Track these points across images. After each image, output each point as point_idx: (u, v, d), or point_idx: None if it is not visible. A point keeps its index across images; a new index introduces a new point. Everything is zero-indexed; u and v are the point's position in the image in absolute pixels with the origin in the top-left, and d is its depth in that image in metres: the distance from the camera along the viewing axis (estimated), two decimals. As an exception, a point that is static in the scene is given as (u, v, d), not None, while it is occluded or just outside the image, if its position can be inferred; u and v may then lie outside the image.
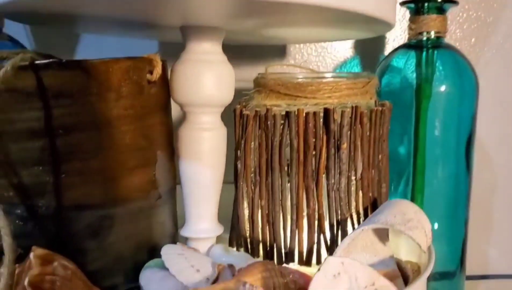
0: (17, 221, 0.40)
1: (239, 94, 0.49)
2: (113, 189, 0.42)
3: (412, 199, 0.60)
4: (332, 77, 0.46)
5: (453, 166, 0.59)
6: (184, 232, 0.49)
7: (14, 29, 0.57)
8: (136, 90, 0.42)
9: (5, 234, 0.33)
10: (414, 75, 0.59)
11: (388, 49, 0.72)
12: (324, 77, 0.46)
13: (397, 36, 0.73)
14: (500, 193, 0.75)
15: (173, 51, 0.49)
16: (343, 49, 0.72)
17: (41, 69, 0.39)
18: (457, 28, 0.71)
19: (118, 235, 0.42)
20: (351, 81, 0.46)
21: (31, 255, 0.36)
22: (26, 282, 0.33)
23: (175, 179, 0.49)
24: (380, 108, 0.46)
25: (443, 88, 0.57)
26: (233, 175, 0.49)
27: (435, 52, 0.58)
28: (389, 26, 0.45)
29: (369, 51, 0.72)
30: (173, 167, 0.49)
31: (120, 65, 0.41)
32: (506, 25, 0.71)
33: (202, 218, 0.49)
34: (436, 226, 0.60)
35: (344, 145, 0.44)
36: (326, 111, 0.44)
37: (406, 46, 0.60)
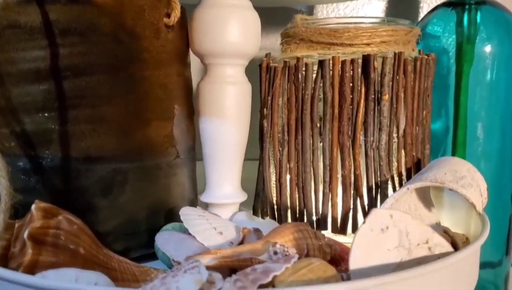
0: (19, 175, 0.36)
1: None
2: (127, 141, 0.37)
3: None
4: (371, 22, 0.41)
5: (498, 140, 0.54)
6: (204, 197, 0.44)
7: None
8: (151, 33, 0.38)
9: (1, 176, 0.28)
10: (454, 37, 0.54)
11: (423, 15, 0.67)
12: (362, 22, 0.41)
13: (432, 2, 0.68)
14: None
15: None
16: (374, 15, 0.67)
17: (47, 2, 0.34)
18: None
19: (132, 194, 0.38)
20: (392, 28, 0.41)
21: (33, 207, 0.31)
22: (25, 235, 0.28)
23: (194, 139, 0.45)
24: (425, 57, 0.41)
25: (487, 48, 0.52)
26: (259, 137, 0.45)
27: (479, 9, 0.53)
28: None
29: (403, 17, 0.67)
30: (192, 126, 0.44)
31: (135, 2, 0.37)
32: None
33: (225, 183, 0.44)
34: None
35: (386, 96, 0.39)
36: (366, 58, 0.39)
37: (444, 5, 0.55)
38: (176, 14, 0.40)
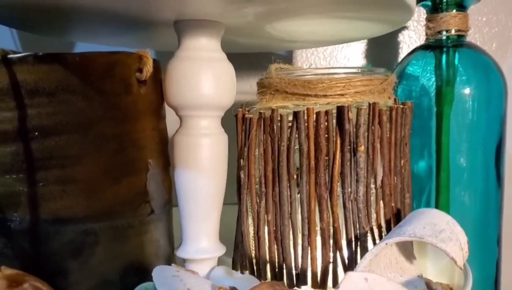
0: None
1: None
2: (98, 201, 0.37)
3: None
4: (345, 73, 0.41)
5: (482, 179, 0.53)
6: (180, 253, 0.43)
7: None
8: (122, 89, 0.38)
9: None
10: (433, 79, 0.54)
11: (402, 57, 0.67)
12: (336, 73, 0.41)
13: (411, 44, 0.68)
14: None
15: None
16: (353, 57, 0.67)
17: (15, 64, 0.34)
18: (476, 32, 0.66)
19: (103, 255, 0.37)
20: (366, 78, 0.41)
21: (-3, 275, 0.30)
22: (-14, 307, 0.27)
23: (170, 193, 0.44)
24: (401, 106, 0.40)
25: (467, 90, 0.52)
26: (236, 188, 0.44)
27: (456, 52, 0.53)
28: (408, 11, 0.40)
29: (382, 59, 0.68)
30: (168, 179, 0.43)
31: (104, 59, 0.36)
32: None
33: (201, 237, 0.43)
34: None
35: (362, 148, 0.38)
36: (340, 109, 0.38)
37: (423, 48, 0.55)
38: (148, 69, 0.39)
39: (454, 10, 0.52)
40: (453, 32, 0.53)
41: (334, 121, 0.39)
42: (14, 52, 0.38)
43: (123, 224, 0.38)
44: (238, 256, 0.45)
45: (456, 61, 0.53)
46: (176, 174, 0.43)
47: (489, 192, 0.53)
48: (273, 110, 0.40)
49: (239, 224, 0.44)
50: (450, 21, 0.52)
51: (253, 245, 0.43)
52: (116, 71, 0.37)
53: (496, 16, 0.66)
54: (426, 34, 0.54)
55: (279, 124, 0.40)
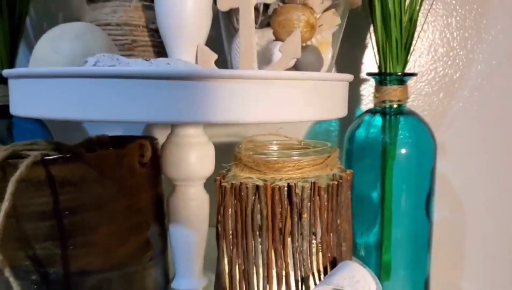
0: (32, 286, 0.49)
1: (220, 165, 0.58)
2: (111, 257, 0.50)
3: (381, 245, 0.68)
4: (296, 155, 0.54)
5: (414, 217, 0.67)
6: (175, 285, 0.57)
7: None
8: (128, 173, 0.51)
9: None
10: (380, 138, 0.67)
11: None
12: (289, 156, 0.54)
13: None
14: (469, 232, 0.82)
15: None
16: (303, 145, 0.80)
17: (50, 163, 0.47)
18: (426, 84, 0.79)
19: (116, 295, 0.51)
20: (311, 158, 0.54)
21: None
22: None
23: (165, 240, 0.58)
24: (336, 182, 0.54)
25: (403, 150, 0.65)
26: (215, 236, 0.58)
27: (398, 117, 0.66)
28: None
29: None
30: (164, 230, 0.57)
31: (114, 154, 0.50)
32: (471, 80, 0.78)
33: (190, 273, 0.57)
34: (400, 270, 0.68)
35: (305, 215, 0.52)
36: (289, 187, 0.52)
37: (371, 112, 0.68)
38: (148, 155, 0.53)
39: (396, 85, 0.65)
40: (394, 102, 0.65)
41: (285, 194, 0.52)
42: (48, 143, 0.52)
43: (130, 271, 0.52)
44: (217, 286, 0.59)
45: (398, 125, 0.66)
46: (170, 227, 0.57)
47: (420, 226, 0.67)
48: (241, 183, 0.54)
49: (218, 263, 0.58)
50: (392, 93, 0.65)
51: (228, 281, 0.57)
52: (124, 161, 0.51)
53: (443, 70, 0.78)
54: (374, 101, 0.67)
55: (245, 193, 0.54)
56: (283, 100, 0.44)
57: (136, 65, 0.41)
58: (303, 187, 0.52)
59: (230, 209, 0.55)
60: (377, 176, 0.68)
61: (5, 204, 0.44)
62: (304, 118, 0.46)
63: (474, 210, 0.81)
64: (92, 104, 0.39)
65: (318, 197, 0.52)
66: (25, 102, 0.45)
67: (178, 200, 0.56)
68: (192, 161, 0.55)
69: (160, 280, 0.56)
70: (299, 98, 0.44)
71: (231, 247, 0.56)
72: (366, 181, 0.68)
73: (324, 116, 0.48)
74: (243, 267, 0.55)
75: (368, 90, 0.79)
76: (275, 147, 0.62)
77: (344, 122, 0.79)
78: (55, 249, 0.48)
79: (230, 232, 0.56)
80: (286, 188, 0.52)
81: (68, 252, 0.49)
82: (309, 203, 0.52)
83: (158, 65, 0.42)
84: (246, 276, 0.55)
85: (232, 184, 0.55)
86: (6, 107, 0.65)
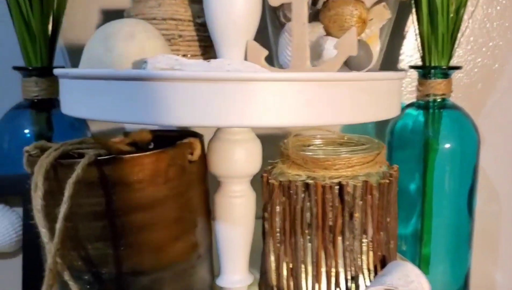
0: (85, 285, 0.49)
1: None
2: (163, 256, 0.50)
3: (421, 238, 0.68)
4: (345, 152, 0.53)
5: (455, 210, 0.66)
6: (220, 282, 0.57)
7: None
8: (179, 172, 0.51)
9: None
10: (423, 131, 0.66)
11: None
12: (338, 154, 0.53)
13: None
14: (505, 224, 0.81)
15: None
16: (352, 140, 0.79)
17: (103, 164, 0.47)
18: (464, 75, 0.77)
19: (168, 293, 0.51)
20: (362, 156, 0.53)
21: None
22: None
23: (211, 236, 0.57)
24: (387, 181, 0.53)
25: (447, 145, 0.64)
26: (261, 232, 0.57)
27: (441, 111, 0.65)
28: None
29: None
30: (209, 226, 0.57)
31: (167, 154, 0.49)
32: (511, 71, 0.77)
33: (236, 270, 0.57)
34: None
35: (357, 214, 0.51)
36: (341, 186, 0.51)
37: (415, 105, 0.67)
38: (197, 153, 0.52)
39: (440, 78, 0.64)
40: (438, 96, 0.64)
41: (336, 192, 0.52)
42: (95, 141, 0.51)
43: (180, 270, 0.52)
44: (262, 283, 0.59)
45: (441, 119, 0.65)
46: (216, 224, 0.56)
47: (461, 224, 0.66)
48: (290, 181, 0.53)
49: (263, 260, 0.58)
50: (436, 87, 0.64)
51: (274, 278, 0.56)
52: (176, 159, 0.50)
53: (482, 61, 0.77)
54: (417, 95, 0.66)
55: (294, 191, 0.53)
56: (340, 101, 0.43)
57: (196, 66, 0.40)
58: (355, 186, 0.51)
59: (277, 207, 0.55)
60: (416, 168, 0.67)
61: (64, 207, 0.43)
62: (362, 120, 0.45)
63: (510, 201, 0.80)
64: (158, 108, 0.38)
65: (370, 196, 0.52)
66: (82, 103, 0.44)
67: (224, 197, 0.56)
68: (239, 158, 0.54)
69: (207, 278, 0.56)
70: (358, 99, 0.44)
71: (278, 244, 0.55)
72: (405, 174, 0.67)
73: (379, 116, 0.47)
74: (291, 265, 0.55)
75: (405, 82, 0.78)
76: (319, 142, 0.61)
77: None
78: (107, 249, 0.48)
79: (278, 229, 0.55)
80: (337, 187, 0.51)
81: (120, 252, 0.48)
82: (360, 202, 0.51)
83: (218, 66, 0.41)
84: (294, 274, 0.55)
85: (280, 181, 0.54)
86: (46, 101, 0.65)
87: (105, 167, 0.47)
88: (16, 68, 0.64)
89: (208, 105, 0.40)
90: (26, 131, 0.64)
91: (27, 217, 0.58)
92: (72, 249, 0.48)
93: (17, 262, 0.60)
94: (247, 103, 0.40)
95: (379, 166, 0.55)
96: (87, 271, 0.49)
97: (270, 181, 0.55)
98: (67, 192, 0.44)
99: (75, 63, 0.73)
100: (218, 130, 0.55)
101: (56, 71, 0.46)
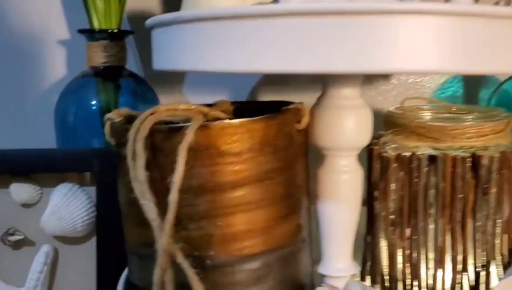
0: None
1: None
2: (271, 238, 0.43)
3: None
4: (474, 119, 0.46)
5: None
6: (321, 269, 0.50)
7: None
8: (288, 142, 0.44)
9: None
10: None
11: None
12: (467, 120, 0.46)
13: None
14: None
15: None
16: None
17: (209, 128, 0.40)
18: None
19: (274, 281, 0.44)
20: (493, 124, 0.46)
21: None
22: None
23: (311, 220, 0.50)
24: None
25: None
26: (367, 215, 0.50)
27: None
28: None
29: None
30: (309, 209, 0.50)
31: (276, 121, 0.42)
32: None
33: (339, 257, 0.50)
34: None
35: (493, 190, 0.44)
36: (475, 157, 0.44)
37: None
38: (305, 121, 0.45)
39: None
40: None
41: (468, 165, 0.45)
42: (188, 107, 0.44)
43: (287, 254, 0.45)
44: (366, 271, 0.52)
45: None
46: (319, 205, 0.49)
47: None
48: (413, 153, 0.46)
49: (369, 243, 0.51)
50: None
51: (387, 266, 0.49)
52: (284, 128, 0.43)
53: None
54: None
55: (417, 165, 0.46)
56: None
57: None
58: (492, 158, 0.44)
59: (393, 184, 0.48)
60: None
61: (177, 175, 0.36)
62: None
63: None
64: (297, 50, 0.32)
65: (507, 170, 0.45)
66: (191, 53, 0.37)
67: (328, 173, 0.48)
68: (348, 127, 0.47)
69: (308, 265, 0.49)
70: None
71: (392, 227, 0.48)
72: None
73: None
74: (408, 251, 0.48)
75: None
76: (427, 114, 0.54)
77: (469, 86, 0.71)
78: (212, 229, 0.41)
79: (392, 210, 0.48)
80: (470, 159, 0.44)
81: (227, 233, 0.41)
82: (497, 176, 0.44)
83: None
84: (412, 261, 0.48)
85: (398, 154, 0.47)
86: (114, 68, 0.58)
87: (211, 134, 0.40)
88: (81, 31, 0.57)
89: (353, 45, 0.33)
90: (93, 102, 0.57)
91: (102, 195, 0.52)
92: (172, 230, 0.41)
93: (88, 247, 0.53)
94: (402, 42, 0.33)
95: (508, 136, 0.48)
96: (189, 255, 0.41)
97: (383, 154, 0.48)
98: (180, 158, 0.37)
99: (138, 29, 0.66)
100: (322, 95, 0.48)
101: (158, 18, 0.39)
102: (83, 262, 0.53)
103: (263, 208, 0.42)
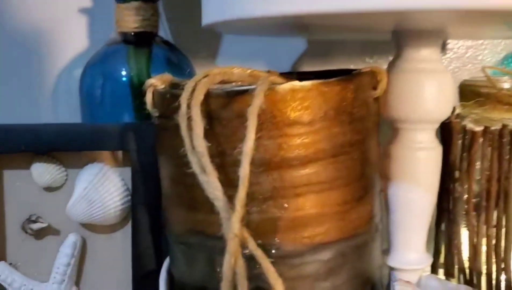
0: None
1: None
2: (347, 223, 0.37)
3: None
4: None
5: None
6: (391, 261, 0.44)
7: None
8: (364, 111, 0.37)
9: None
10: None
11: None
12: None
13: None
14: None
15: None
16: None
17: (279, 93, 0.33)
18: None
19: (348, 274, 0.37)
20: None
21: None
22: None
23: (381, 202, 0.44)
24: None
25: None
26: (444, 198, 0.44)
27: None
28: None
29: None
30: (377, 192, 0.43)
31: (353, 85, 0.36)
32: None
33: (411, 247, 0.44)
34: None
35: None
36: None
37: None
38: (382, 86, 0.38)
39: None
40: None
41: None
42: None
43: (362, 243, 0.38)
44: (438, 263, 0.45)
45: None
46: (390, 187, 0.43)
47: None
48: (504, 126, 0.39)
49: (443, 232, 0.44)
50: None
51: (467, 256, 0.43)
52: (360, 95, 0.36)
53: None
54: None
55: (508, 138, 0.39)
56: None
57: None
58: None
59: (478, 163, 0.41)
60: None
61: (247, 146, 0.30)
62: None
63: None
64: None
65: None
66: None
67: (402, 150, 0.42)
68: (427, 95, 0.40)
69: (379, 256, 0.42)
70: None
71: (474, 213, 0.42)
72: None
73: None
74: (494, 241, 0.41)
75: None
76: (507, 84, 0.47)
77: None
78: (277, 211, 0.35)
79: (476, 192, 0.41)
80: None
81: (296, 216, 0.35)
82: None
83: None
84: (500, 251, 0.41)
85: (485, 128, 0.40)
86: (147, 35, 0.51)
87: (279, 98, 0.33)
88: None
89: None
90: (123, 73, 0.50)
91: (138, 177, 0.45)
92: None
93: (121, 236, 0.47)
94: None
95: None
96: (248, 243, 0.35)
97: (468, 128, 0.41)
98: (251, 123, 0.30)
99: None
100: (396, 57, 0.41)
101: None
102: (115, 253, 0.47)
103: (337, 189, 0.36)
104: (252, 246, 0.30)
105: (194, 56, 0.57)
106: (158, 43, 0.52)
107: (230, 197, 0.32)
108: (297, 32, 0.51)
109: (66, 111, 0.62)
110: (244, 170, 0.29)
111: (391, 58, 0.42)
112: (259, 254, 0.30)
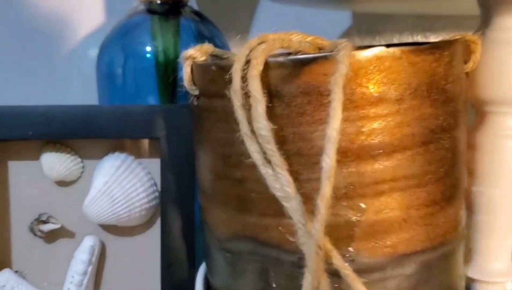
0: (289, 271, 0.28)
1: None
2: (435, 228, 0.30)
3: None
4: None
5: None
6: (471, 272, 0.37)
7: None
8: (457, 88, 0.30)
9: None
10: None
11: None
12: None
13: None
14: None
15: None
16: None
17: (359, 61, 0.26)
18: None
19: (431, 287, 0.30)
20: None
21: None
22: None
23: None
24: None
25: None
26: None
27: None
28: None
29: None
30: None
31: (448, 53, 0.29)
32: None
33: (497, 256, 0.37)
34: None
35: None
36: None
37: None
38: (476, 58, 0.31)
39: None
40: None
41: None
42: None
43: (449, 252, 0.31)
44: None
45: None
46: (473, 181, 0.36)
47: None
48: None
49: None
50: None
51: None
52: (454, 69, 0.29)
53: None
54: None
55: None
56: None
57: None
58: None
59: None
60: None
61: (332, 127, 0.23)
62: None
63: None
64: None
65: None
66: None
67: (490, 137, 0.35)
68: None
69: (462, 267, 0.35)
70: None
71: None
72: None
73: None
74: None
75: None
76: None
77: None
78: (353, 214, 0.27)
79: None
80: None
81: (377, 220, 0.28)
82: None
83: None
84: None
85: None
86: (175, 4, 0.44)
87: (359, 68, 0.26)
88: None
89: None
90: (147, 48, 0.43)
91: (168, 170, 0.38)
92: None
93: (147, 240, 0.40)
94: None
95: None
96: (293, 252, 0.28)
97: None
98: (337, 98, 0.23)
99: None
100: (484, 28, 0.34)
101: None
102: (140, 260, 0.40)
103: (425, 186, 0.29)
104: (338, 262, 0.23)
105: (225, 30, 0.50)
106: (188, 13, 0.45)
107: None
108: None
109: (80, 96, 0.55)
110: (329, 160, 0.22)
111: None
112: (347, 273, 0.23)
